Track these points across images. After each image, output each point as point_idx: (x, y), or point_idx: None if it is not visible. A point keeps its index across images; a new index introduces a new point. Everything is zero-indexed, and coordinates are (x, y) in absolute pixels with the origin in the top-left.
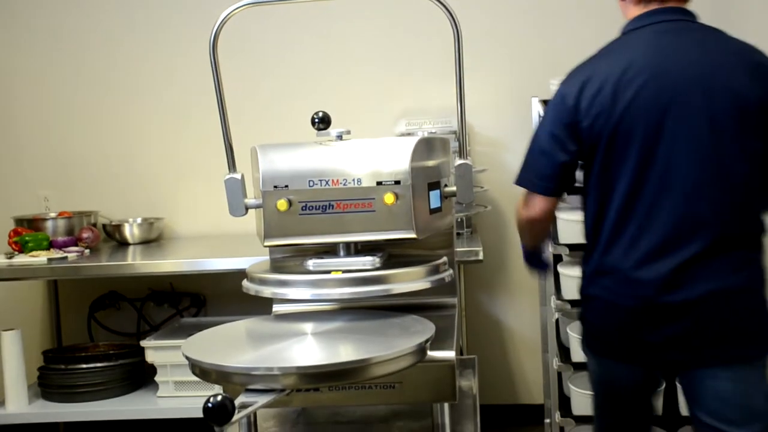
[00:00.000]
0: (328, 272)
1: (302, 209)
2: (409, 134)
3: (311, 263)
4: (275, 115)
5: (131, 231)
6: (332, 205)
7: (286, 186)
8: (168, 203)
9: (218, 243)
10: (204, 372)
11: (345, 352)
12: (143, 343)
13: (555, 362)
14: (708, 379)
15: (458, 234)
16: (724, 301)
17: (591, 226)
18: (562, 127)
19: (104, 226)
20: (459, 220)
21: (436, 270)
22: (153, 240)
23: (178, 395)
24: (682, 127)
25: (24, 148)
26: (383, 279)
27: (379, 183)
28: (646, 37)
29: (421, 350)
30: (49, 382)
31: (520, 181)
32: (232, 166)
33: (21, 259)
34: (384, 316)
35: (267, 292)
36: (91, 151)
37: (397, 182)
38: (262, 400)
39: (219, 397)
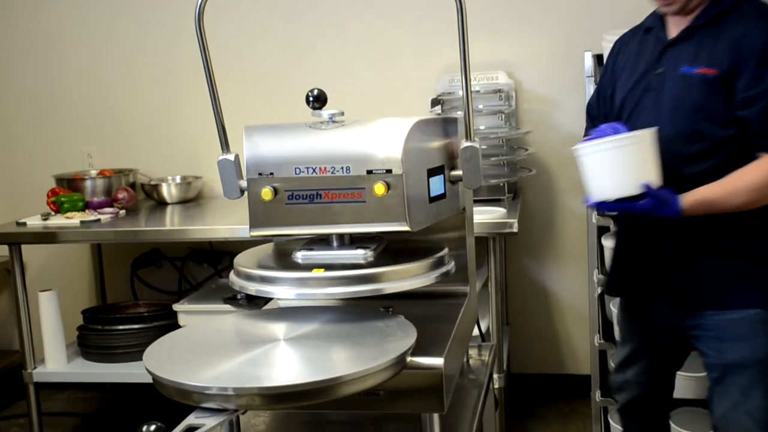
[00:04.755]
0: (313, 269)
1: (288, 198)
2: (450, 93)
3: (300, 255)
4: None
5: (169, 191)
6: (320, 195)
7: (272, 173)
8: (207, 162)
9: None
10: (163, 387)
11: (306, 370)
12: (176, 306)
13: (596, 339)
14: None
15: (498, 200)
16: None
17: None
18: None
19: (142, 185)
20: (501, 184)
21: (434, 265)
22: (191, 200)
23: None
24: None
25: (70, 104)
26: (372, 278)
27: (369, 172)
28: None
29: (393, 365)
30: (87, 342)
31: None
32: (225, 146)
33: (56, 221)
34: (368, 317)
35: (252, 289)
36: (134, 107)
37: (389, 171)
38: (212, 421)
39: (153, 427)
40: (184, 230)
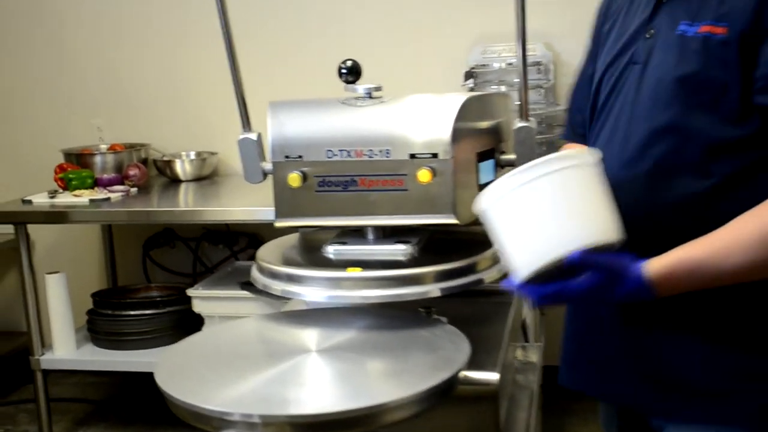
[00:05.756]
0: (347, 266)
1: (319, 185)
2: (483, 66)
3: (331, 250)
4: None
5: (183, 167)
6: (355, 182)
7: (300, 156)
8: (224, 137)
9: None
10: (177, 408)
11: (344, 394)
12: (189, 292)
13: None
14: None
15: None
16: None
17: None
18: None
19: (155, 161)
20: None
21: (486, 263)
22: (206, 177)
23: None
24: None
25: (79, 74)
26: (417, 279)
27: (412, 156)
28: None
29: (445, 388)
30: (97, 327)
31: None
32: (246, 123)
33: (63, 199)
34: (411, 323)
35: (277, 288)
36: (147, 77)
37: (435, 155)
38: None
39: None
40: (198, 211)
